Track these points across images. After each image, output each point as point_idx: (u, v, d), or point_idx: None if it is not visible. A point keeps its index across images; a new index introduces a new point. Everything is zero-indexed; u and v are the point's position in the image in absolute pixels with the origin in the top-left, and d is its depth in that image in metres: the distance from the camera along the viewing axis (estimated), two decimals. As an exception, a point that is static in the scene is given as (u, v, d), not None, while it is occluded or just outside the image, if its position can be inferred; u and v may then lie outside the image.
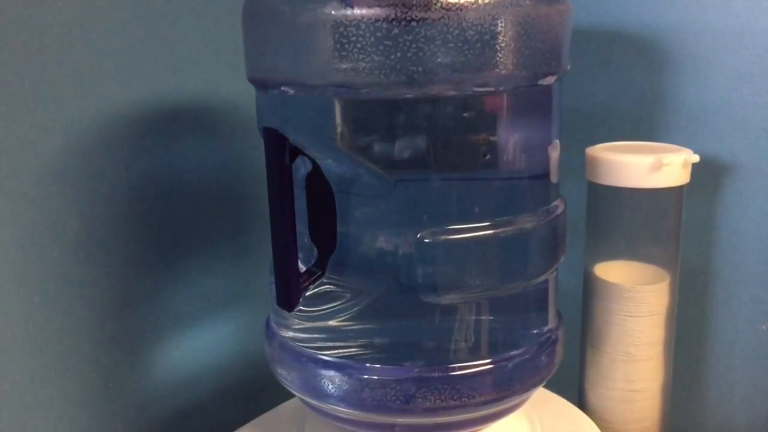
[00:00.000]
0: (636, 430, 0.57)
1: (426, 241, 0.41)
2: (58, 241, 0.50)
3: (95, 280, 0.53)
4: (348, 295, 0.44)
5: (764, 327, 0.60)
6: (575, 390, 0.60)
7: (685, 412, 0.64)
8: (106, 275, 0.53)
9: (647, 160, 0.52)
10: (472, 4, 0.38)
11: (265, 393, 0.62)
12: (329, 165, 0.42)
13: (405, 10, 0.37)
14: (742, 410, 0.62)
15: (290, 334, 0.47)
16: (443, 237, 0.41)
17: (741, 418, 0.62)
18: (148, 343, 0.57)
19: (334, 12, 0.38)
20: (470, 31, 0.38)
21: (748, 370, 0.61)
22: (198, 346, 0.61)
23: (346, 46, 0.38)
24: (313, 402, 0.47)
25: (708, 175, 0.58)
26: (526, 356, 0.46)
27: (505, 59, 0.39)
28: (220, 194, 0.61)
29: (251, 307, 0.64)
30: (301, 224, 0.44)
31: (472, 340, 0.44)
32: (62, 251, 0.50)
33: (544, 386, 0.50)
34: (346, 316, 0.44)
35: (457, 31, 0.38)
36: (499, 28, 0.39)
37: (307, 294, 0.44)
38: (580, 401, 0.60)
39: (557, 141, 0.46)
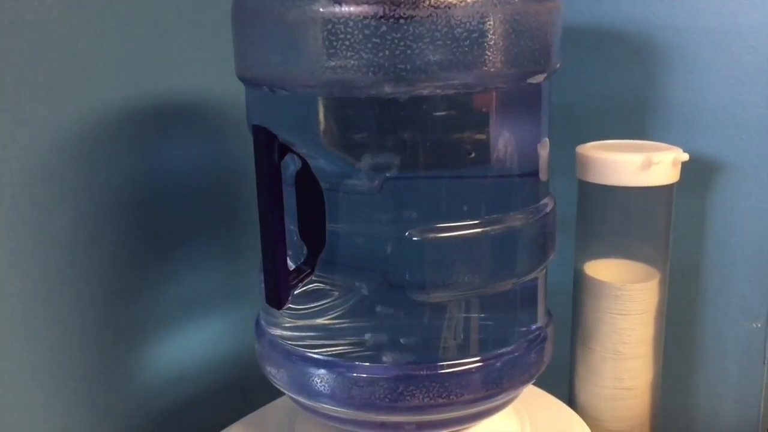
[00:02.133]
0: (625, 428, 0.57)
1: (414, 239, 0.41)
2: (47, 238, 0.50)
3: (84, 279, 0.52)
4: (337, 293, 0.44)
5: (754, 325, 0.60)
6: (565, 387, 0.60)
7: (674, 409, 0.64)
8: (96, 273, 0.53)
9: (637, 158, 0.52)
10: (461, 1, 0.38)
11: (255, 391, 0.62)
12: (318, 163, 0.42)
13: (393, 7, 0.37)
14: (731, 408, 0.62)
15: (279, 332, 0.47)
16: (431, 235, 0.41)
17: (730, 416, 0.62)
18: (137, 340, 0.57)
19: (323, 9, 0.38)
20: (459, 29, 0.38)
21: (737, 368, 0.61)
22: (188, 344, 0.61)
23: (335, 43, 0.38)
24: (303, 400, 0.47)
25: (698, 173, 0.58)
26: (515, 354, 0.46)
27: (494, 57, 0.39)
28: (210, 192, 0.60)
29: (241, 304, 0.64)
30: (290, 222, 0.44)
31: (461, 338, 0.44)
32: (52, 248, 0.50)
33: (534, 383, 0.50)
34: (335, 314, 0.44)
35: (445, 29, 0.38)
36: (488, 26, 0.39)
37: (296, 292, 0.44)
38: (570, 399, 0.60)
39: (546, 139, 0.46)
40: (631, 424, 0.57)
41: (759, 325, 0.60)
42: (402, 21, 0.37)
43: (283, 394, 0.49)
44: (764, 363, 0.60)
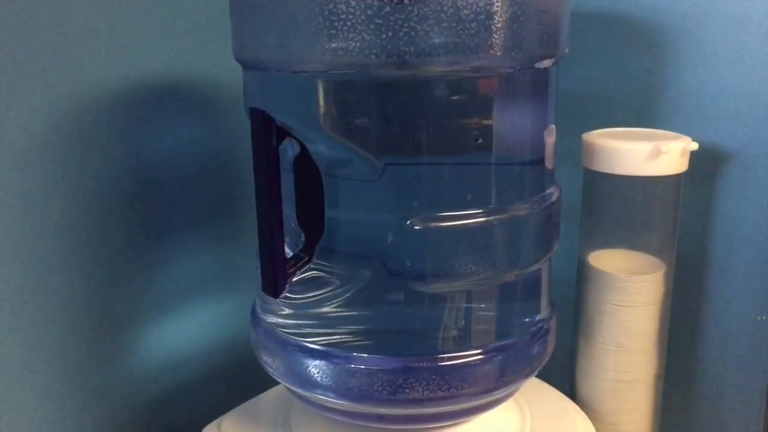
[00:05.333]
0: (627, 421, 0.56)
1: (416, 228, 0.40)
2: (42, 223, 0.49)
3: (79, 264, 0.52)
4: (335, 281, 0.43)
5: (759, 318, 0.59)
6: (566, 379, 0.59)
7: (676, 403, 0.63)
8: (90, 258, 0.52)
9: (645, 147, 0.51)
10: (468, -18, 0.36)
11: (250, 379, 0.61)
12: (317, 148, 0.41)
13: (397, -13, 0.36)
14: (735, 402, 0.61)
15: (276, 320, 0.46)
16: (433, 224, 0.40)
17: (734, 409, 0.62)
18: (133, 327, 0.56)
19: (324, -12, 0.37)
20: (465, 11, 0.37)
21: (741, 362, 0.60)
22: (183, 331, 0.60)
23: (336, 24, 0.37)
24: (299, 390, 0.46)
25: (707, 163, 0.57)
26: (517, 346, 0.45)
27: (501, 41, 0.38)
28: (207, 176, 0.60)
29: (238, 291, 0.63)
30: (288, 208, 0.43)
31: (462, 329, 0.43)
32: (46, 233, 0.49)
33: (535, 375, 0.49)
34: (334, 304, 0.43)
35: (451, 11, 0.36)
36: (495, 8, 0.37)
37: (294, 280, 0.43)
38: (571, 390, 0.59)
39: (553, 126, 0.45)
40: (632, 417, 0.56)
41: (764, 318, 0.59)
42: (406, 1, 0.36)
43: (279, 382, 0.48)
44: (768, 356, 0.59)
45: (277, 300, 0.44)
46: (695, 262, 0.60)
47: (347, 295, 0.43)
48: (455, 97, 0.40)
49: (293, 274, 0.43)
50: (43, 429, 0.51)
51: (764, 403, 0.60)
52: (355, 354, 0.43)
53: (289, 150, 0.43)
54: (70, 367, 0.52)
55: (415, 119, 0.39)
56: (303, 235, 0.44)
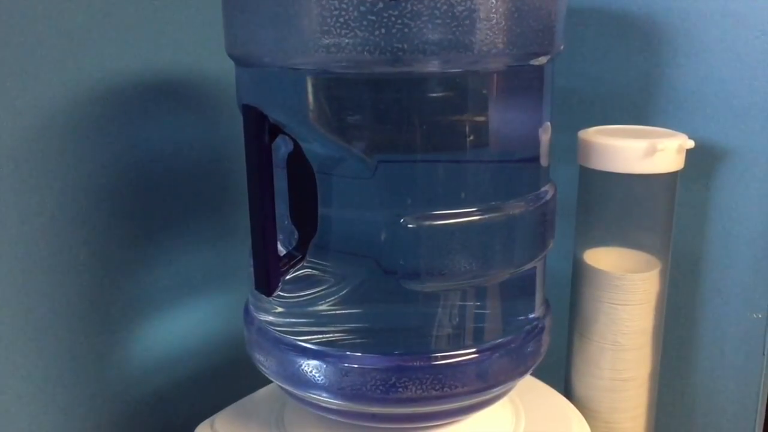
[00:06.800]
0: (623, 420, 0.56)
1: (409, 226, 0.40)
2: (34, 220, 0.49)
3: (72, 261, 0.51)
4: (329, 280, 0.43)
5: (755, 315, 0.59)
6: (562, 378, 0.59)
7: (672, 401, 0.63)
8: (83, 255, 0.52)
9: (641, 144, 0.51)
10: (462, -22, 0.36)
11: (244, 377, 0.61)
12: (311, 145, 0.41)
13: (391, -17, 0.35)
14: (730, 400, 0.61)
15: (269, 318, 0.46)
16: (427, 222, 0.40)
17: (729, 407, 0.61)
18: (126, 324, 0.56)
19: (316, -16, 0.36)
20: (459, 7, 0.36)
21: (736, 360, 0.60)
22: (176, 329, 0.60)
23: (329, 20, 0.36)
24: (292, 389, 0.45)
25: (703, 161, 0.57)
26: (511, 345, 0.44)
27: (496, 37, 0.38)
28: (201, 172, 0.59)
29: (231, 289, 0.63)
30: (281, 206, 0.43)
31: (456, 328, 0.43)
32: (38, 231, 0.49)
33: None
34: (327, 302, 0.43)
35: (445, 7, 0.36)
36: (490, 5, 0.37)
37: (287, 278, 0.43)
38: (566, 389, 0.59)
39: (548, 123, 0.45)
40: (628, 415, 0.56)
41: (759, 316, 0.59)
42: (400, -3, 0.36)
43: (273, 381, 0.48)
44: (764, 354, 0.59)
45: (270, 298, 0.44)
46: (691, 260, 0.60)
47: (341, 293, 0.42)
48: (449, 95, 0.39)
49: (286, 272, 0.43)
50: (35, 426, 0.51)
51: (760, 401, 0.60)
52: (348, 353, 0.43)
53: (281, 147, 0.42)
54: (63, 364, 0.52)
55: (409, 116, 0.39)
56: (296, 232, 0.44)
